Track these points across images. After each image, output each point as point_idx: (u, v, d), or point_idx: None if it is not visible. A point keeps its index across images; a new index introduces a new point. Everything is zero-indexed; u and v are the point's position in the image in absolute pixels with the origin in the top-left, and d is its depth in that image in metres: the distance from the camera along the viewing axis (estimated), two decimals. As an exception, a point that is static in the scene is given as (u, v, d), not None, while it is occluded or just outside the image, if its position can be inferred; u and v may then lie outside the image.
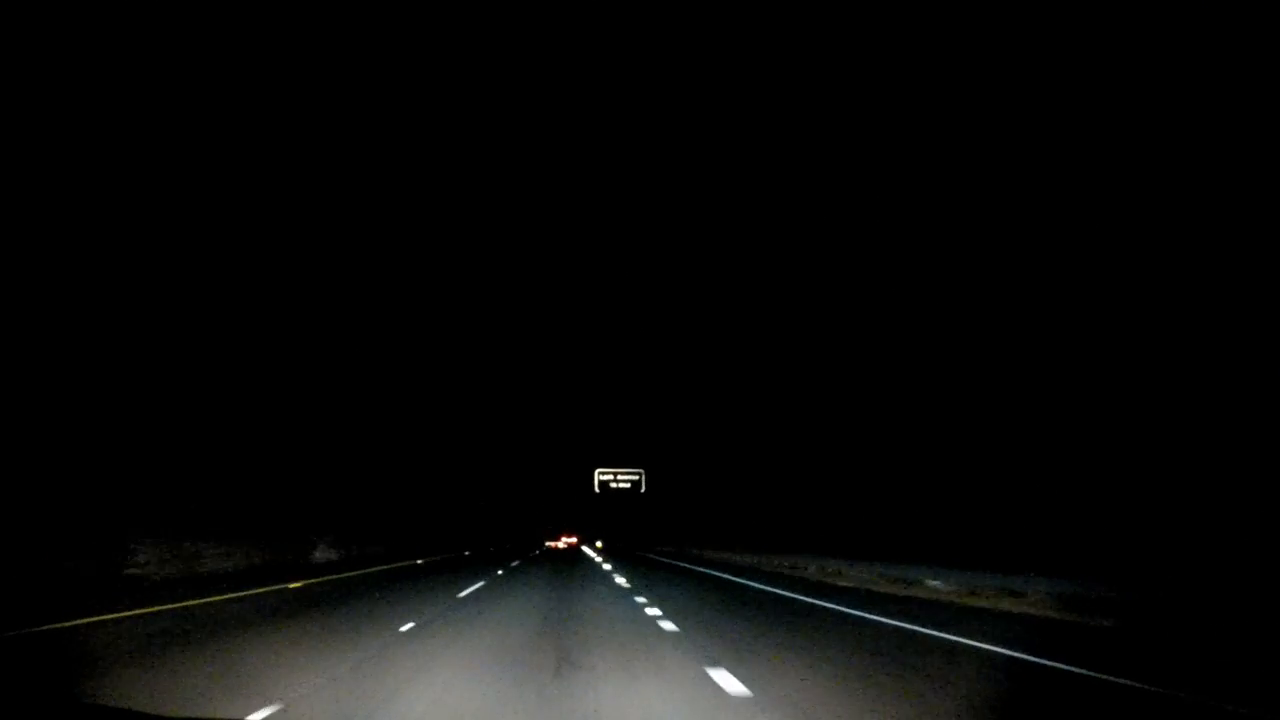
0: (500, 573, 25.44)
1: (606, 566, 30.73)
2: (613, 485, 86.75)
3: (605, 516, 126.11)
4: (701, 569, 30.95)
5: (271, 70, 33.59)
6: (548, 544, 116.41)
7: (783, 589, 19.26)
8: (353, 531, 36.25)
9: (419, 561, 31.74)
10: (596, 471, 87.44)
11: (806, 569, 27.63)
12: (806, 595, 17.16)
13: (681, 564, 36.79)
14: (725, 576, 25.68)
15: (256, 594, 15.40)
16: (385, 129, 49.62)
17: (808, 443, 50.30)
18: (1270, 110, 19.71)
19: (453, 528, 76.31)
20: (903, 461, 35.33)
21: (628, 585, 20.24)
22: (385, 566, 28.38)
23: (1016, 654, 8.67)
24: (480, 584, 20.04)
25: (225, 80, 29.77)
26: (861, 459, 40.26)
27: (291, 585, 17.69)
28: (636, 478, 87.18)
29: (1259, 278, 20.00)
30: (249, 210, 31.37)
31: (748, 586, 20.84)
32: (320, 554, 32.04)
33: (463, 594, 16.69)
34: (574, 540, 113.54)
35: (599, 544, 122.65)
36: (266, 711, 5.75)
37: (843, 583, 21.96)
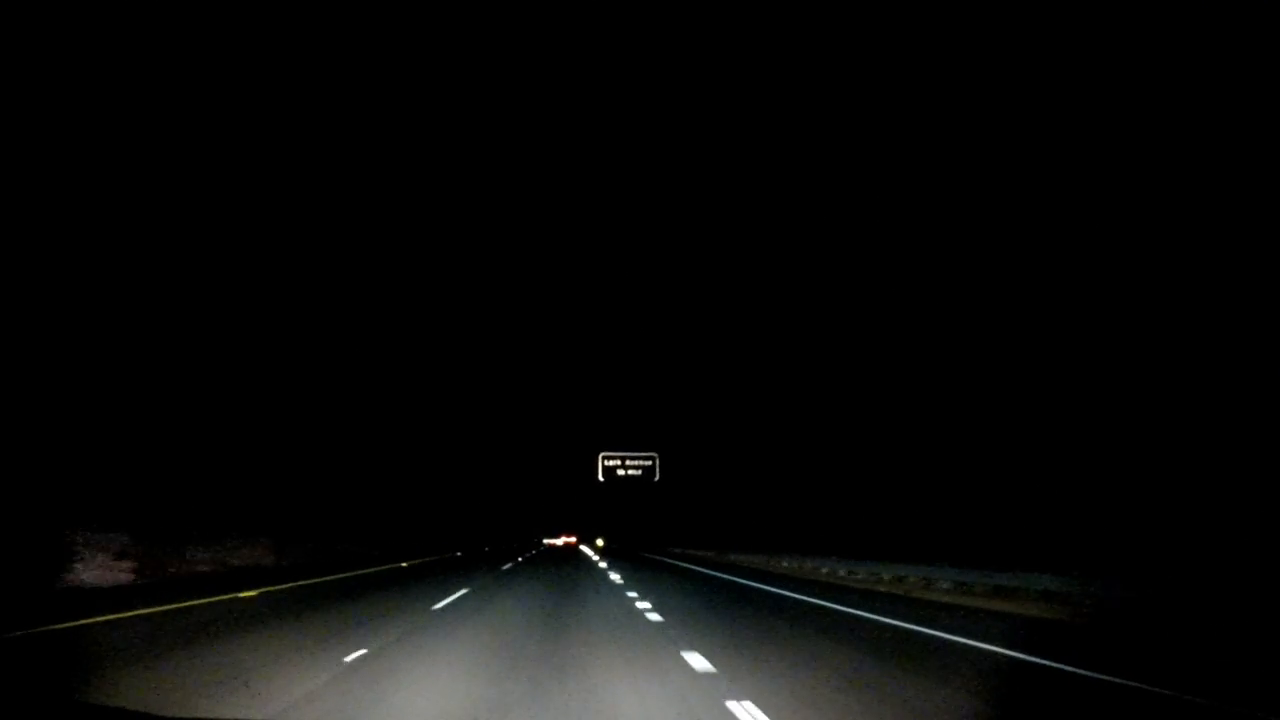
0: (381, 646, 9.95)
1: (645, 607, 15.09)
2: (620, 473, 71.24)
3: (610, 511, 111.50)
4: (859, 613, 15.44)
5: (272, 70, 33.47)
6: (546, 542, 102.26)
7: None
8: (181, 530, 20.92)
9: (250, 594, 15.88)
10: (601, 456, 71.93)
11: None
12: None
13: (768, 588, 21.38)
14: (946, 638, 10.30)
15: None
16: (386, 119, 50.66)
17: (863, 413, 42.74)
18: (1270, 110, 19.62)
19: (416, 526, 61.23)
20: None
21: None
22: (180, 605, 13.05)
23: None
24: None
25: (225, 80, 29.57)
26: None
27: None
28: (649, 463, 71.59)
29: (1259, 278, 19.87)
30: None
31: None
32: (92, 572, 16.69)
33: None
34: (572, 540, 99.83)
35: (599, 542, 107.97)
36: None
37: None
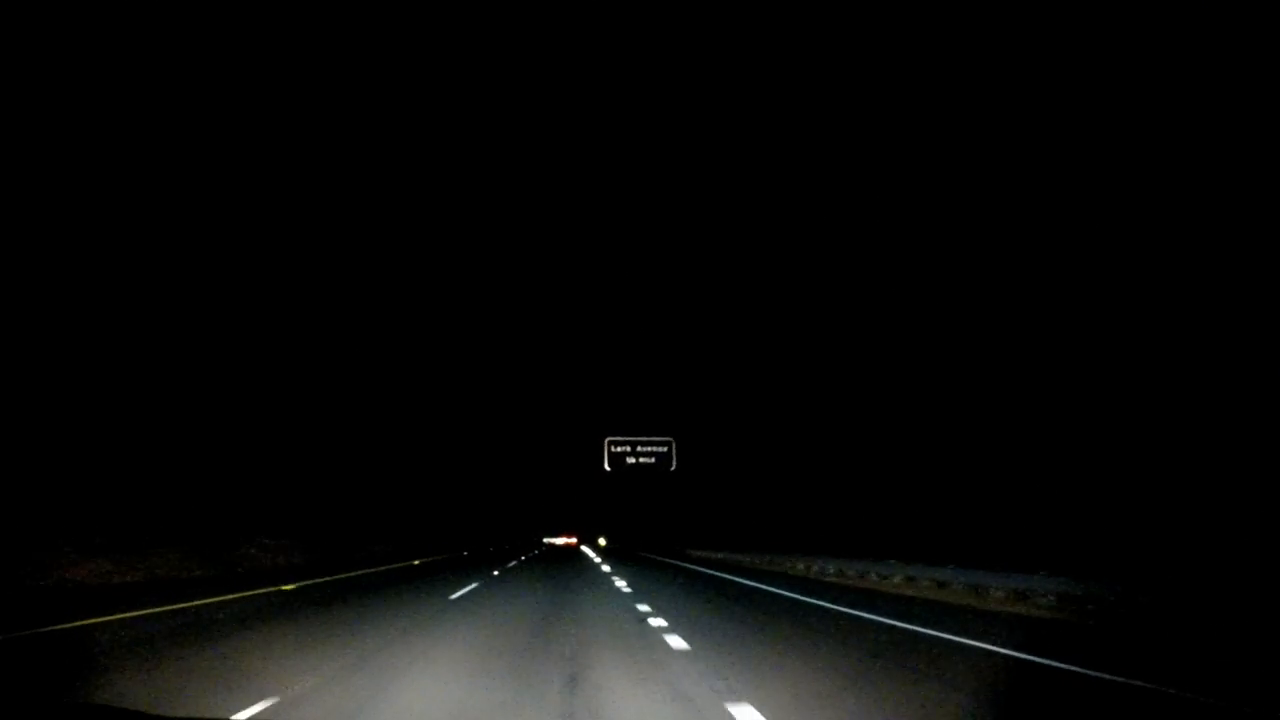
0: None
1: None
2: (630, 460, 59.54)
3: (618, 508, 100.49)
4: None
5: (272, 71, 33.69)
6: (547, 541, 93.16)
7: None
8: None
9: None
10: (607, 442, 60.31)
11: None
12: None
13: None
14: None
15: None
16: (385, 117, 50.97)
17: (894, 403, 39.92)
18: (1270, 110, 19.37)
19: (381, 527, 50.43)
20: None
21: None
22: None
23: None
24: None
25: (225, 80, 29.93)
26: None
27: None
28: (664, 450, 60.00)
29: (1259, 279, 19.53)
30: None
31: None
32: None
33: None
34: (573, 540, 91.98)
35: (601, 541, 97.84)
36: None
37: None
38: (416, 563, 35.86)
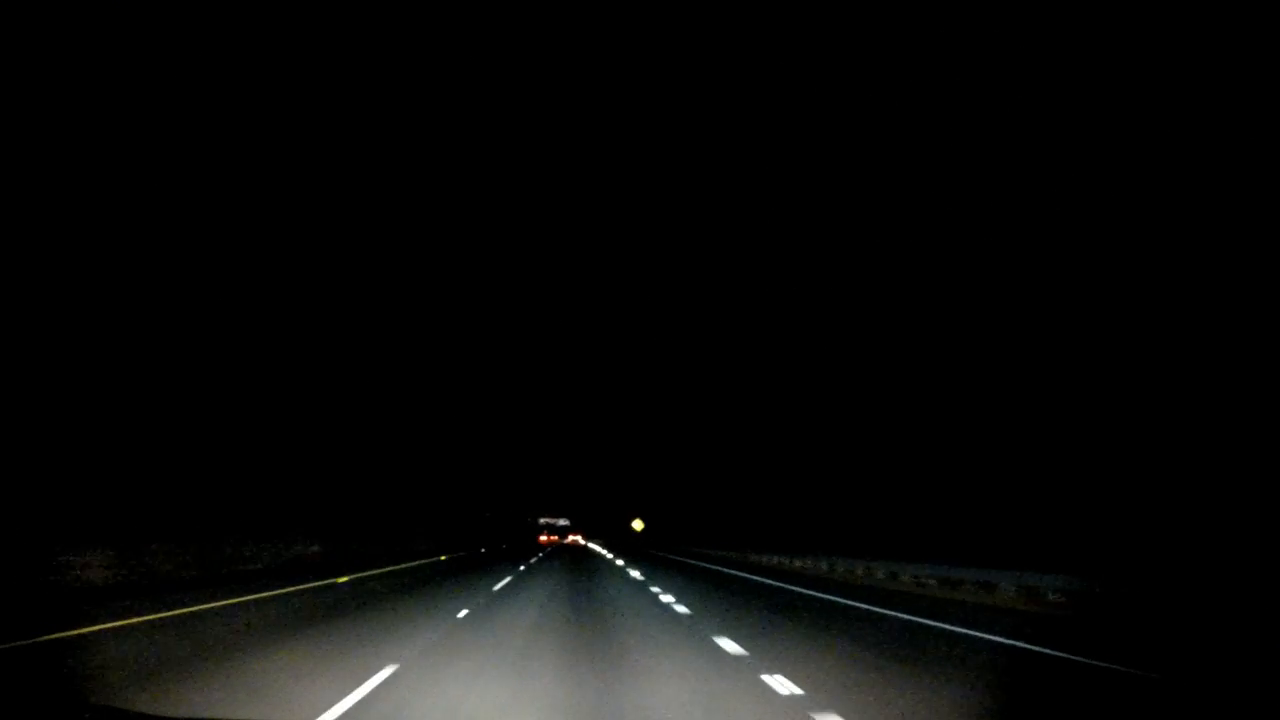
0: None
1: None
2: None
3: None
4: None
5: (271, 71, 33.72)
6: (545, 521, 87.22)
7: None
8: None
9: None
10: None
11: None
12: None
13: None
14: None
15: None
16: (388, 120, 53.90)
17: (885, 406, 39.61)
18: (1270, 110, 19.67)
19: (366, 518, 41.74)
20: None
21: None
22: None
23: None
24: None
25: (225, 80, 29.91)
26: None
27: None
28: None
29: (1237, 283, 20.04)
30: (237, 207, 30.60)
31: None
32: None
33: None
34: (578, 538, 79.24)
35: (637, 525, 79.97)
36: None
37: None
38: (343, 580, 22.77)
